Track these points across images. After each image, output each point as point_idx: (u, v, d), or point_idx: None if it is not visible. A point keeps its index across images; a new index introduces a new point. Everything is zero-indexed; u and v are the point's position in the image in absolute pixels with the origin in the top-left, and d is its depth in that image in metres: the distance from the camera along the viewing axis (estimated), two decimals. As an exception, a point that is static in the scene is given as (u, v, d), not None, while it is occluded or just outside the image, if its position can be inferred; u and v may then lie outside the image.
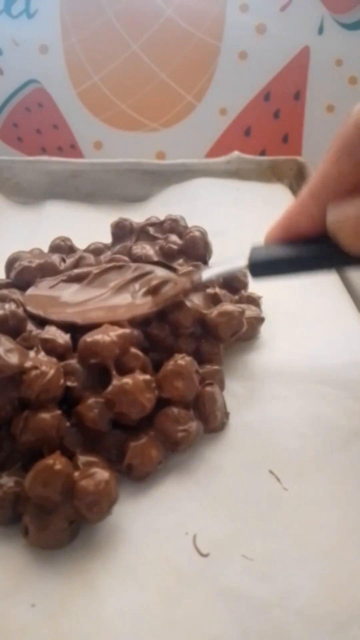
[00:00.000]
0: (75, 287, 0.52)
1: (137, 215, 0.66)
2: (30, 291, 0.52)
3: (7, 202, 0.83)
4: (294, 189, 0.84)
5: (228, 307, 0.49)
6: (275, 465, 0.42)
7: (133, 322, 0.46)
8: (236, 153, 0.85)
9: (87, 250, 0.60)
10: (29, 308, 0.48)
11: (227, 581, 0.35)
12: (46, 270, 0.55)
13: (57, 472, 0.35)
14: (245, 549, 0.36)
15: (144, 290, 0.49)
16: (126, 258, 0.56)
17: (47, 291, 0.52)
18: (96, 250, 0.59)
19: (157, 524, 0.38)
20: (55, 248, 0.61)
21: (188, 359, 0.44)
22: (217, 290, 0.53)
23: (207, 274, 0.48)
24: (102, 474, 0.36)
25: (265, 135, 1.03)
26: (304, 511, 0.39)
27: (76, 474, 0.36)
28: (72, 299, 0.50)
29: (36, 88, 0.99)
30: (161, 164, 0.85)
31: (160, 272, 0.51)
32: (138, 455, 0.40)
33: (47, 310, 0.48)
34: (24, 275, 0.54)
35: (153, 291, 0.49)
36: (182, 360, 0.43)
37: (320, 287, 0.62)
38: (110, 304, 0.49)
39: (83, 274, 0.53)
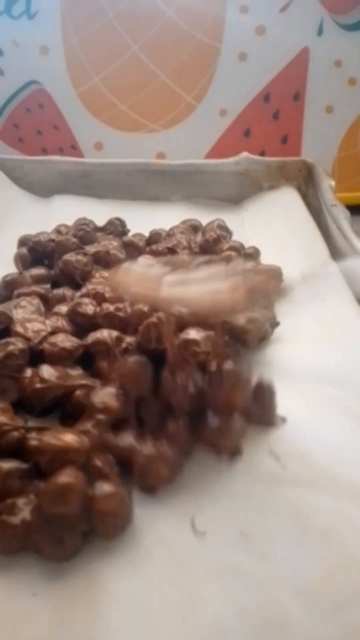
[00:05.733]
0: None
1: (148, 214, 0.68)
2: (128, 264, 0.54)
3: (24, 193, 0.86)
4: (303, 190, 0.85)
5: (256, 314, 0.50)
6: (275, 444, 0.42)
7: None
8: (245, 154, 0.85)
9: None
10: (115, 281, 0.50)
11: (224, 560, 0.35)
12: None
13: (76, 490, 0.35)
14: (242, 526, 0.37)
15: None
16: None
17: (142, 268, 0.53)
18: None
19: (154, 505, 0.38)
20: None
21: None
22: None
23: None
24: (121, 495, 0.36)
25: (265, 136, 1.03)
26: (303, 490, 0.39)
27: (95, 491, 0.36)
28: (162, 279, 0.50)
29: (37, 89, 1.00)
30: (171, 165, 0.86)
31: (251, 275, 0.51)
32: (146, 471, 0.39)
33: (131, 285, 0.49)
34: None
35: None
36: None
37: (325, 286, 0.62)
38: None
39: (179, 262, 0.54)
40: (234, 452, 0.41)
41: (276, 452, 0.41)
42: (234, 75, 0.99)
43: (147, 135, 1.03)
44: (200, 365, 0.44)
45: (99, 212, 0.75)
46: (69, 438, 0.37)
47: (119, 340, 0.46)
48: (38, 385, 0.42)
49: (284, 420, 0.44)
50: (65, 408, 0.43)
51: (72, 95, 1.00)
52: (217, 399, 0.42)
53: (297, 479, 0.40)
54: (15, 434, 0.39)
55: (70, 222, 0.71)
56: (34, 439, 0.38)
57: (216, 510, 0.38)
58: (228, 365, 0.43)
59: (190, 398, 0.42)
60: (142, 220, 0.75)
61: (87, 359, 0.46)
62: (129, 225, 0.73)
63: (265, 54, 0.98)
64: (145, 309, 0.47)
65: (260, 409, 0.43)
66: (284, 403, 0.45)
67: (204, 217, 0.73)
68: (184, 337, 0.45)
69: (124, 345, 0.46)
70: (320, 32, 0.96)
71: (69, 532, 0.35)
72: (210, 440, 0.41)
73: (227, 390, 0.42)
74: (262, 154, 1.02)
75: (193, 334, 0.45)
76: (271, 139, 1.04)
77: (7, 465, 0.37)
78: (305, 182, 0.85)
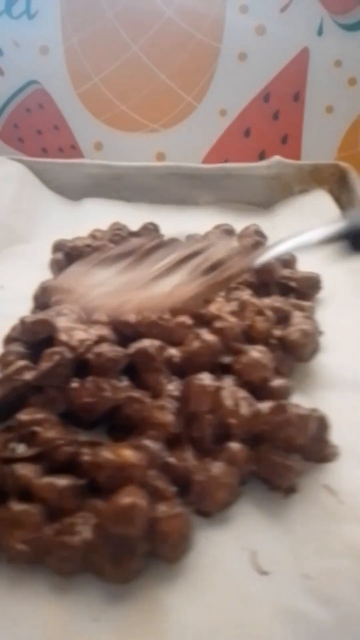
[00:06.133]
0: (119, 265, 0.45)
1: (177, 218, 0.68)
2: (68, 270, 0.48)
3: (55, 196, 0.86)
4: (335, 194, 0.85)
5: (306, 326, 0.50)
6: (329, 479, 0.42)
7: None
8: (277, 157, 0.85)
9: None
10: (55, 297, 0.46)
11: (289, 602, 0.34)
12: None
13: (141, 510, 0.34)
14: (305, 568, 0.36)
15: (198, 271, 0.43)
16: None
17: (86, 270, 0.45)
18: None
19: (211, 531, 0.38)
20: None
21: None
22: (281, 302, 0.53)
23: (273, 252, 0.41)
24: (184, 516, 0.36)
25: (265, 136, 1.03)
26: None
27: (157, 511, 0.36)
28: (111, 281, 0.43)
29: (37, 89, 0.99)
30: (201, 168, 0.86)
31: (218, 249, 0.44)
32: (204, 495, 0.39)
33: (74, 296, 0.44)
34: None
35: (208, 272, 0.42)
36: None
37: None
38: (154, 288, 0.42)
39: (129, 251, 0.47)
40: (290, 490, 0.41)
41: (332, 487, 0.41)
42: (234, 75, 0.99)
43: (147, 135, 1.02)
44: (261, 383, 0.44)
45: (129, 216, 0.76)
46: (127, 454, 0.37)
47: (161, 349, 0.46)
48: (87, 399, 0.42)
49: (337, 454, 0.43)
50: (113, 421, 0.43)
51: (72, 95, 1.00)
52: (277, 436, 0.41)
53: (355, 514, 0.39)
54: (68, 448, 0.38)
55: (100, 225, 0.71)
56: (88, 454, 0.38)
57: (277, 548, 0.37)
58: (294, 407, 0.41)
59: (247, 421, 0.41)
60: (172, 223, 0.74)
61: (131, 369, 0.45)
62: (158, 229, 0.73)
63: (265, 54, 0.97)
64: (189, 321, 0.47)
65: (315, 444, 0.42)
66: (335, 419, 0.44)
67: (234, 222, 0.73)
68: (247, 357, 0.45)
69: (166, 355, 0.46)
70: (320, 32, 0.96)
71: (130, 554, 0.34)
72: (265, 476, 0.41)
73: (290, 432, 0.41)
74: (262, 154, 1.03)
75: (255, 353, 0.45)
76: (271, 139, 1.03)
77: (62, 482, 0.37)
78: (339, 186, 0.85)
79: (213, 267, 0.42)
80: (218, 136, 1.03)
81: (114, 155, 0.97)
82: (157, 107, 1.01)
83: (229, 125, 1.02)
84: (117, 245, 0.56)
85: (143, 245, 0.47)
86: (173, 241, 0.50)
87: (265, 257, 0.42)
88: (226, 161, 0.99)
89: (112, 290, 0.42)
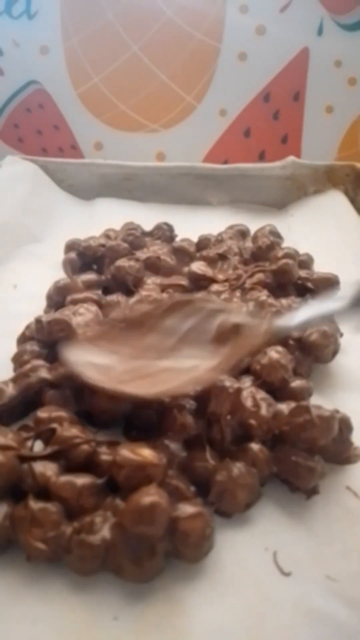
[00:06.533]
0: (132, 337, 0.45)
1: (190, 218, 0.69)
2: (81, 352, 0.44)
3: (67, 196, 0.86)
4: (350, 195, 0.85)
5: (326, 327, 0.49)
6: (352, 481, 0.41)
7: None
8: (291, 158, 0.85)
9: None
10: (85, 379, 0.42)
11: (312, 603, 0.34)
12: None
13: (163, 509, 0.34)
14: (328, 569, 0.36)
15: (213, 337, 0.43)
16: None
17: (102, 350, 0.44)
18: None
19: (232, 531, 0.38)
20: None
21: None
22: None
23: (295, 319, 0.43)
24: (206, 516, 0.36)
25: (265, 136, 1.03)
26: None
27: (177, 511, 0.35)
28: (130, 361, 0.43)
29: (37, 89, 0.99)
30: (215, 168, 0.86)
31: (233, 314, 0.45)
32: (225, 495, 0.38)
33: (103, 378, 0.41)
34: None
35: (224, 340, 0.43)
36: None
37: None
38: (176, 367, 0.42)
39: (140, 317, 0.46)
40: (312, 492, 0.40)
41: (354, 489, 0.41)
42: (234, 75, 0.99)
43: (147, 135, 1.02)
44: (281, 383, 0.44)
45: (141, 216, 0.76)
46: (146, 453, 0.36)
47: None
48: (109, 400, 0.41)
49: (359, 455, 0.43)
50: (131, 421, 0.43)
51: (72, 95, 1.00)
52: (298, 437, 0.40)
53: None
54: (86, 447, 0.38)
55: (113, 225, 0.71)
56: (107, 453, 0.38)
57: (299, 550, 0.37)
58: (316, 408, 0.41)
59: (268, 422, 0.41)
60: (185, 224, 0.74)
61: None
62: (171, 229, 0.73)
63: (265, 54, 0.97)
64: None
65: (337, 446, 0.42)
66: (354, 419, 0.43)
67: (248, 222, 0.73)
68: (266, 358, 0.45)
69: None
70: (320, 32, 0.96)
71: (151, 553, 0.34)
72: (287, 478, 0.40)
73: (313, 433, 0.40)
74: (262, 154, 1.03)
75: (274, 354, 0.45)
76: (271, 139, 1.03)
77: (81, 480, 0.36)
78: (354, 187, 0.85)
79: (231, 333, 0.43)
80: (218, 136, 1.03)
81: (114, 155, 0.97)
82: (157, 107, 1.01)
83: (229, 125, 1.02)
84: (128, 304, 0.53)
85: (153, 310, 0.47)
86: (183, 303, 0.47)
87: (290, 323, 0.43)
88: (226, 161, 0.99)
89: (131, 369, 0.42)
